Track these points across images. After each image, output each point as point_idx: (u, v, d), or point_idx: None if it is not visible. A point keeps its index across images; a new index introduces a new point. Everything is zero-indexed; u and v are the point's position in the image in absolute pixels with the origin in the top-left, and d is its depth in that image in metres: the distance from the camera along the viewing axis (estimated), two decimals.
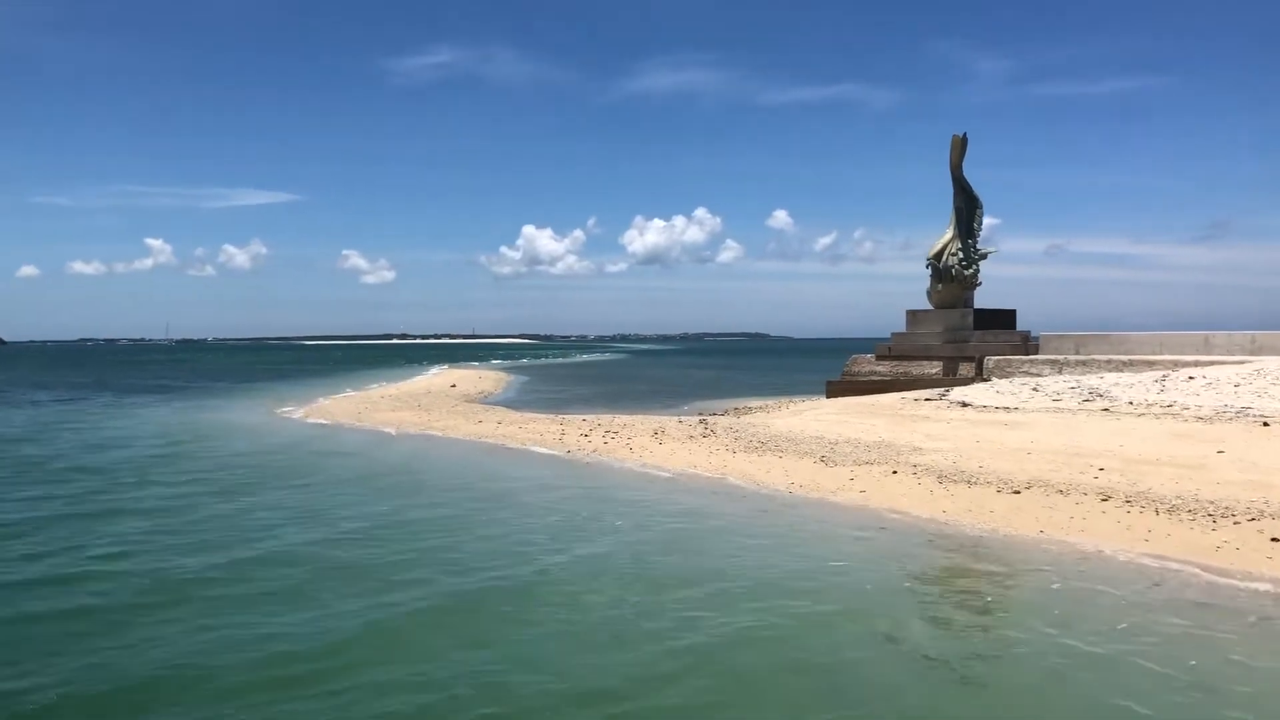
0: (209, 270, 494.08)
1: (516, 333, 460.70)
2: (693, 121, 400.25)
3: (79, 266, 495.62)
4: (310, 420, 40.06)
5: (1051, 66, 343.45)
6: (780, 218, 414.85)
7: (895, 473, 21.67)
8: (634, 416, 37.31)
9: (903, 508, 18.78)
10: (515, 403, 49.71)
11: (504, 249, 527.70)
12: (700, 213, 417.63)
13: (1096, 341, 43.85)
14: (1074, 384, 33.26)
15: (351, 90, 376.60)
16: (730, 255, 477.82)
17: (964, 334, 45.20)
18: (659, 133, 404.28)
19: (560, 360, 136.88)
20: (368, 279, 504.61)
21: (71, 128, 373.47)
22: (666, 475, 23.73)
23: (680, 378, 79.93)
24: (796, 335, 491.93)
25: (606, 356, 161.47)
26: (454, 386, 59.00)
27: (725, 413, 42.05)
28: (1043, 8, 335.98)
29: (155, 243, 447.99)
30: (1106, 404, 27.46)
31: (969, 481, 20.16)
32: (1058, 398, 29.59)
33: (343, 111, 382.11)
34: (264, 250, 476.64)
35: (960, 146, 47.31)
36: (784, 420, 31.57)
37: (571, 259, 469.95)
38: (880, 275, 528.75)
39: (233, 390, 62.74)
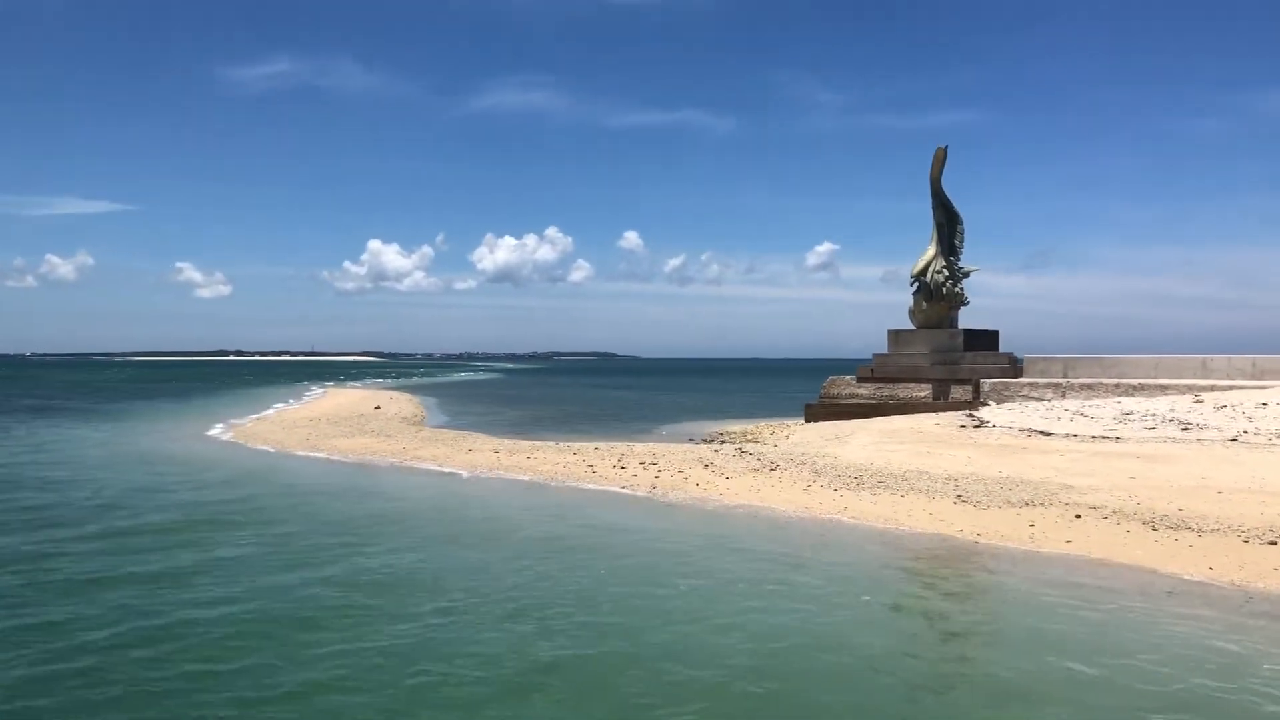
0: (30, 281, 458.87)
1: (359, 350, 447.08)
2: (542, 141, 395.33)
3: None
4: (262, 448, 34.55)
5: (880, 100, 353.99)
6: (631, 239, 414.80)
7: (1079, 516, 18.60)
8: (639, 445, 33.52)
9: (1144, 563, 15.64)
10: (467, 426, 44.91)
11: (348, 264, 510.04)
12: (551, 232, 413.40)
13: (1087, 364, 42.30)
14: (1128, 410, 31.18)
15: (184, 98, 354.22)
16: (581, 275, 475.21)
17: (954, 355, 42.98)
18: (509, 151, 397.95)
19: (440, 380, 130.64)
20: (202, 293, 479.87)
21: None
22: (788, 518, 20.07)
23: (598, 398, 76.22)
24: (645, 355, 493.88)
25: (481, 375, 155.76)
26: (378, 408, 53.64)
27: (713, 437, 38.86)
28: (873, 42, 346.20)
29: None
30: (1228, 433, 25.20)
31: (1192, 529, 17.20)
32: (1150, 426, 27.28)
33: (176, 120, 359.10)
34: (91, 261, 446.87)
35: (941, 160, 45.31)
36: (846, 450, 28.28)
37: (419, 275, 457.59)
38: (726, 298, 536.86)
39: (124, 412, 55.43)
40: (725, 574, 15.53)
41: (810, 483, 23.46)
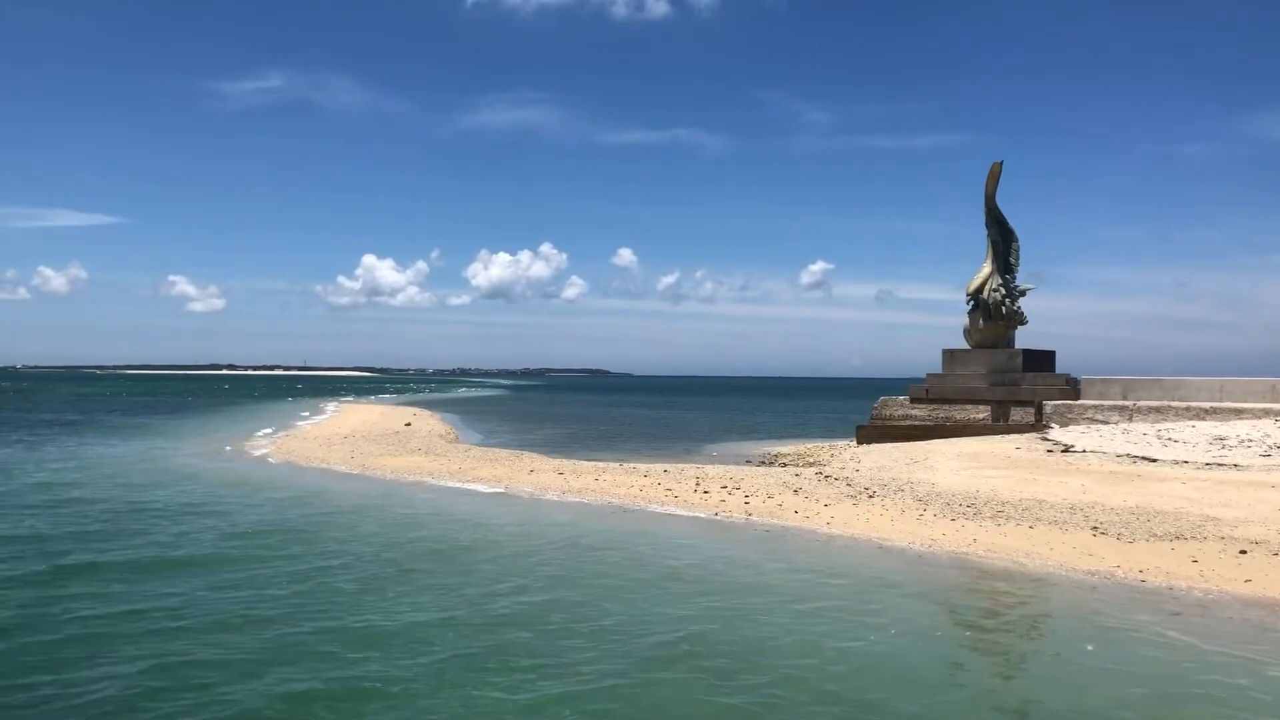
0: (22, 293, 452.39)
1: (351, 365, 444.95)
2: (535, 158, 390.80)
3: None
4: (319, 467, 33.05)
5: (871, 120, 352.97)
6: (625, 256, 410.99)
7: (1244, 552, 17.24)
8: (709, 467, 32.19)
9: None
10: (505, 444, 43.42)
11: (342, 279, 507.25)
12: (546, 248, 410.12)
13: (1147, 385, 41.00)
14: (1220, 434, 29.91)
15: (178, 111, 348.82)
16: (575, 291, 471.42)
17: (1013, 376, 41.64)
18: (503, 167, 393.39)
19: (447, 396, 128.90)
20: (195, 306, 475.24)
21: None
22: (920, 552, 18.67)
23: (619, 416, 74.84)
24: (637, 373, 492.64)
25: (486, 392, 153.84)
26: (408, 425, 52.13)
27: (770, 459, 37.65)
28: (863, 63, 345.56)
29: None
30: None
31: None
32: (1264, 452, 25.97)
33: (170, 133, 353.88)
34: (83, 274, 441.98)
35: (995, 176, 44.12)
36: (937, 475, 26.86)
37: (413, 291, 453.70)
38: (719, 316, 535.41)
39: (149, 428, 53.73)
40: (914, 622, 14.11)
41: (920, 511, 22.08)
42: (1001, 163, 44.04)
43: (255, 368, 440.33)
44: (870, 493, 24.61)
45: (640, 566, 17.62)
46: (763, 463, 36.72)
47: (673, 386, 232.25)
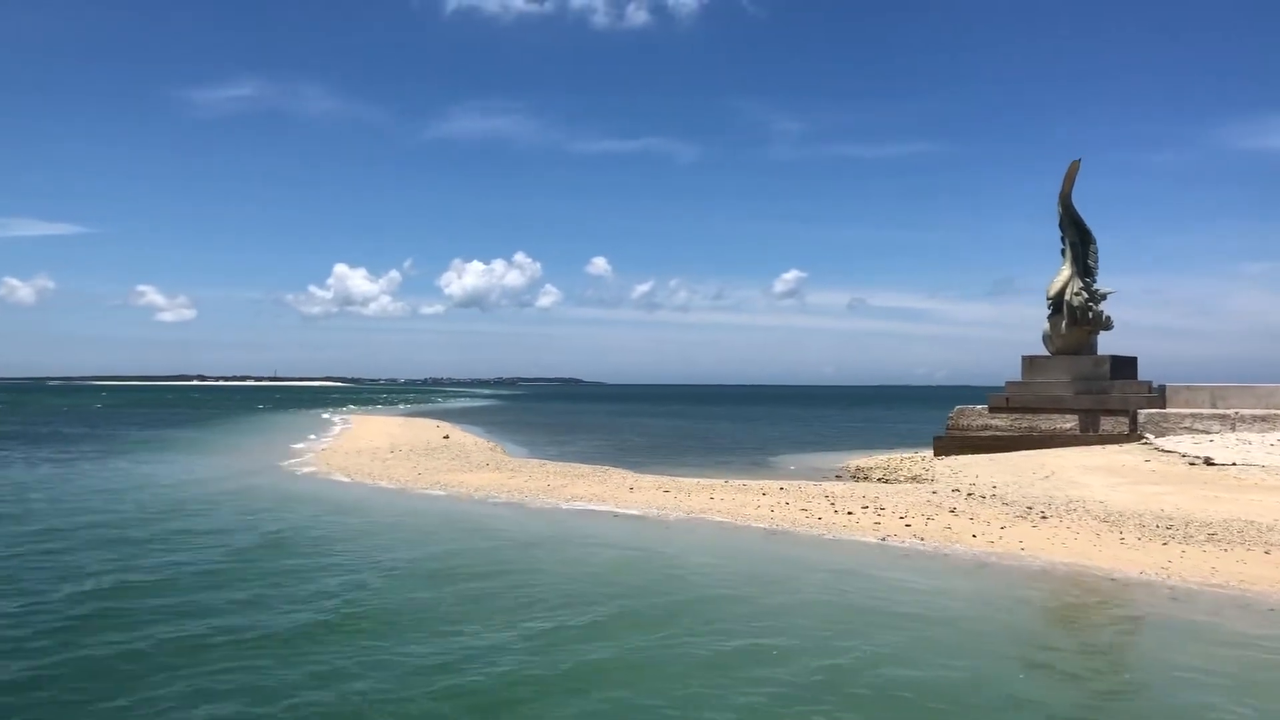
0: None
1: (322, 375, 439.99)
2: (509, 166, 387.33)
3: None
4: (393, 486, 30.19)
5: (843, 130, 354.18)
6: (599, 265, 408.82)
7: None
8: (827, 484, 29.95)
9: None
10: (556, 457, 40.92)
11: (313, 288, 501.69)
12: (520, 257, 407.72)
13: (1238, 393, 39.12)
14: None
15: (148, 119, 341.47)
16: (549, 300, 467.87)
17: (1101, 383, 39.67)
18: (477, 176, 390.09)
19: (447, 406, 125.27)
20: (164, 316, 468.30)
21: None
22: (1171, 585, 16.40)
23: (649, 427, 72.72)
24: (610, 382, 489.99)
25: (481, 403, 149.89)
26: (447, 438, 49.44)
27: (859, 473, 35.53)
28: (834, 72, 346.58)
29: None
30: None
31: None
32: None
33: (139, 141, 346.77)
34: (51, 284, 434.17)
35: (1072, 176, 42.21)
36: (1096, 493, 24.66)
37: (386, 300, 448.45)
38: (693, 324, 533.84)
39: (172, 441, 50.69)
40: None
41: (1119, 535, 19.87)
42: (1079, 161, 42.26)
43: (226, 378, 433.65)
44: (1040, 513, 22.37)
45: (864, 611, 15.25)
46: (853, 477, 34.54)
47: (657, 395, 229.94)
